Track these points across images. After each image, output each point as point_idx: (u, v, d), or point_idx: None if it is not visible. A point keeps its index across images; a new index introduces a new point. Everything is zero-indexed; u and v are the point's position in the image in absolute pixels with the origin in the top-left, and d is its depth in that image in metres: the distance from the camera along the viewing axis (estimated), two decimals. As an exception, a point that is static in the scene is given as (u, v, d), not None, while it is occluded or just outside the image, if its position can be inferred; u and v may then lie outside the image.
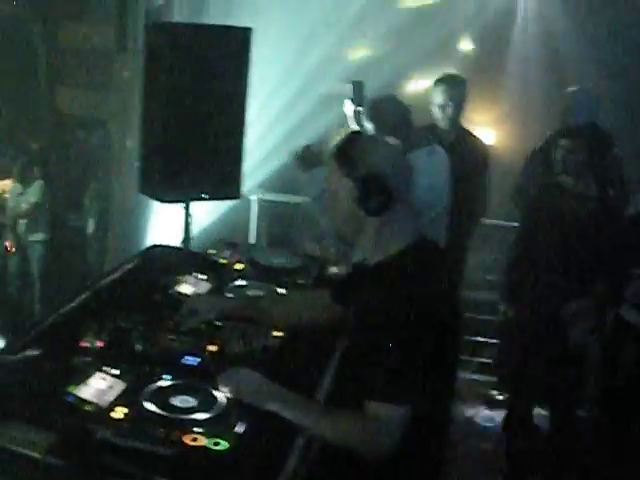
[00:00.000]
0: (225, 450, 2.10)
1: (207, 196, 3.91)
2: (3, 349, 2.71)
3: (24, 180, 8.32)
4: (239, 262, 3.48)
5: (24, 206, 8.24)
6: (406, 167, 2.44)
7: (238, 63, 3.88)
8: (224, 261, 3.48)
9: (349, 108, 4.39)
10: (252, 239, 6.18)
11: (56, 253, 8.47)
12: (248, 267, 3.46)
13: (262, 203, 6.41)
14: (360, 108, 4.33)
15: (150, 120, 3.84)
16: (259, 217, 6.29)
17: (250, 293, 3.14)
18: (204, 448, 2.10)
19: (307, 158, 3.74)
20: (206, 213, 5.90)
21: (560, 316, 4.44)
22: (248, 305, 2.92)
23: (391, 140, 2.66)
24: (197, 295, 3.05)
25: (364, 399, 2.27)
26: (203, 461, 2.07)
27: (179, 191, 3.83)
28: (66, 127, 10.14)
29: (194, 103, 3.74)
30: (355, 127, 4.40)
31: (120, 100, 8.46)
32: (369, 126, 4.01)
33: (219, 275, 3.28)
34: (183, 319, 2.79)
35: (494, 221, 6.18)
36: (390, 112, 3.90)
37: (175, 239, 4.22)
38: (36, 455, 2.01)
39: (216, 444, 2.11)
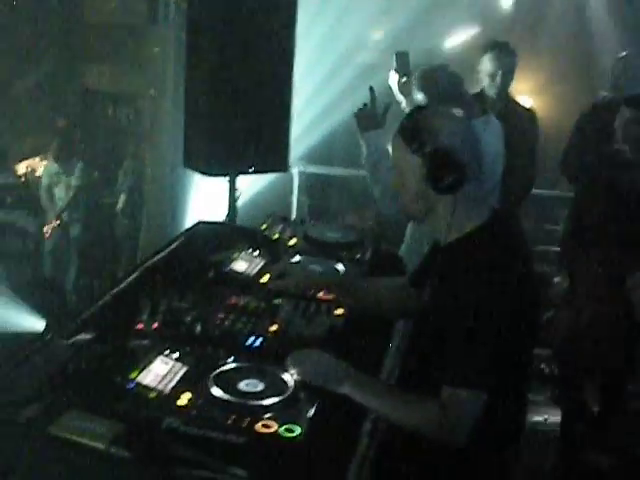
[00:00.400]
0: (298, 437, 1.98)
1: (254, 169, 3.75)
2: (45, 331, 2.58)
3: (60, 159, 8.20)
4: (292, 237, 3.34)
5: (68, 191, 8.15)
6: (475, 140, 2.28)
7: (284, 30, 3.73)
8: (276, 236, 3.34)
9: (394, 79, 4.21)
10: (294, 213, 6.05)
11: (91, 231, 8.38)
12: (301, 242, 3.33)
13: (303, 176, 6.25)
14: (405, 79, 4.16)
15: (194, 92, 3.69)
16: (299, 190, 6.15)
17: (307, 270, 3.00)
18: (277, 435, 1.97)
19: (369, 118, 3.56)
20: (244, 188, 5.75)
21: (623, 288, 4.27)
22: (337, 284, 2.79)
23: (456, 112, 2.48)
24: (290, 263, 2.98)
25: (440, 383, 2.14)
26: (276, 449, 1.94)
27: (225, 165, 3.68)
28: (95, 104, 10.05)
29: (239, 73, 3.59)
30: (401, 99, 4.24)
31: (150, 75, 8.33)
32: (419, 97, 3.83)
33: (273, 251, 3.14)
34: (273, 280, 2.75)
35: (537, 191, 5.98)
36: (444, 82, 3.71)
37: (214, 215, 4.09)
38: (100, 446, 1.89)
39: (289, 430, 1.98)
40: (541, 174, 5.49)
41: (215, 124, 3.59)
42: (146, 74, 8.56)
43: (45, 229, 8.16)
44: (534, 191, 5.72)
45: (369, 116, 3.53)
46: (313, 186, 6.28)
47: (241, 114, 3.62)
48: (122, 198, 8.45)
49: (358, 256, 3.24)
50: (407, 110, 4.16)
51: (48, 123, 9.57)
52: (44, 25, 9.43)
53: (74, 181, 8.15)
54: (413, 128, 2.22)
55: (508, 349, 2.13)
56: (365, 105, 3.53)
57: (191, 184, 6.92)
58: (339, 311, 2.70)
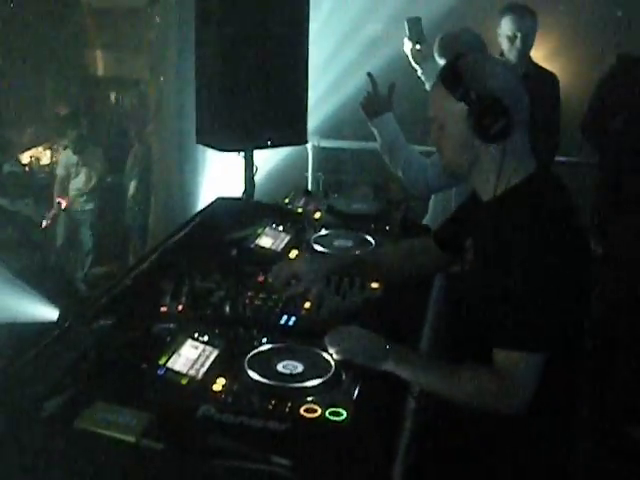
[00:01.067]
0: (345, 420, 1.82)
1: (272, 143, 3.58)
2: (59, 319, 2.41)
3: (79, 151, 8.06)
4: (316, 210, 3.17)
5: (88, 181, 8.04)
6: (520, 86, 2.11)
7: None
8: (300, 210, 3.18)
9: (407, 47, 4.03)
10: (309, 188, 5.87)
11: (104, 219, 8.24)
12: (326, 215, 3.16)
13: (316, 150, 6.07)
14: (419, 46, 3.97)
15: (204, 67, 3.51)
16: (313, 165, 5.97)
17: (337, 243, 2.84)
18: (322, 420, 1.82)
19: (375, 105, 3.41)
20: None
21: None
22: (353, 263, 2.59)
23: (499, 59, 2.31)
24: (298, 261, 2.63)
25: (491, 348, 1.98)
26: (322, 434, 1.79)
27: (241, 139, 3.51)
28: (98, 90, 9.89)
29: (251, 45, 3.40)
30: (416, 67, 4.06)
31: (153, 58, 8.14)
32: (441, 62, 3.65)
33: (298, 225, 2.98)
34: (280, 286, 2.44)
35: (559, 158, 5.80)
36: (467, 46, 3.51)
37: (228, 193, 3.90)
38: (131, 439, 1.73)
39: (335, 414, 1.82)
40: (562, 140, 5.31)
41: (228, 98, 3.41)
42: (148, 57, 8.37)
43: (46, 218, 8.03)
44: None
45: (374, 103, 3.36)
46: (327, 160, 6.08)
47: (255, 87, 3.44)
48: (133, 184, 8.30)
49: (387, 227, 3.07)
50: (424, 78, 4.00)
51: (48, 112, 9.40)
52: (43, 10, 9.24)
53: (97, 170, 8.02)
54: (456, 74, 2.06)
55: (565, 306, 1.97)
56: (368, 93, 3.36)
57: (201, 164, 6.73)
58: (374, 284, 2.53)
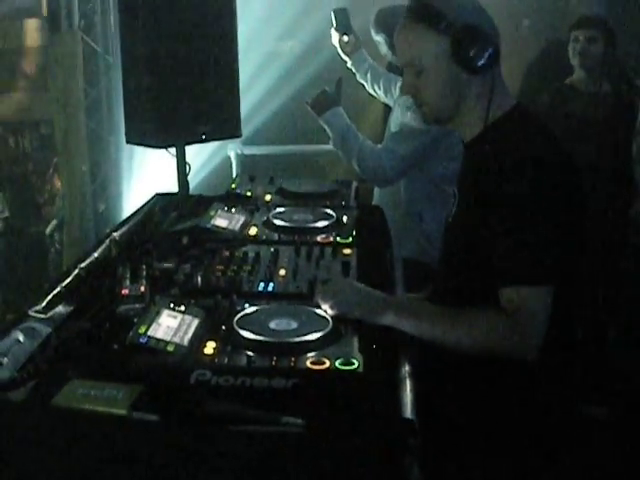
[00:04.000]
0: (358, 367, 1.64)
1: (205, 137, 3.39)
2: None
3: None
4: (267, 193, 3.01)
5: None
6: (488, 15, 2.02)
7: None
8: (249, 194, 3.00)
9: (335, 38, 3.93)
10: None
11: (15, 263, 7.86)
12: (276, 197, 3.01)
13: (242, 158, 5.89)
14: (346, 37, 3.88)
15: (131, 62, 3.32)
16: (241, 174, 5.78)
17: (297, 217, 2.68)
18: (334, 370, 1.63)
19: (322, 102, 3.32)
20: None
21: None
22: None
23: None
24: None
25: (500, 287, 1.86)
26: (335, 385, 1.60)
27: (171, 134, 3.31)
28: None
29: (178, 38, 3.22)
30: (345, 58, 3.97)
31: (55, 96, 7.81)
32: (379, 38, 3.55)
33: (250, 207, 2.81)
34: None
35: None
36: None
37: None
38: (121, 412, 1.51)
39: (346, 363, 1.64)
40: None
41: (157, 93, 3.22)
42: (50, 96, 8.05)
43: None
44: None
45: (322, 100, 3.33)
46: (252, 168, 5.88)
47: (184, 80, 3.26)
48: (53, 223, 7.96)
49: (343, 203, 2.92)
50: (354, 69, 3.92)
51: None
52: None
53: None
54: (433, 8, 1.95)
55: (564, 234, 1.88)
56: (324, 91, 3.35)
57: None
58: (347, 250, 2.37)
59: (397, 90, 3.70)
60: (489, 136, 1.97)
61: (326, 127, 3.32)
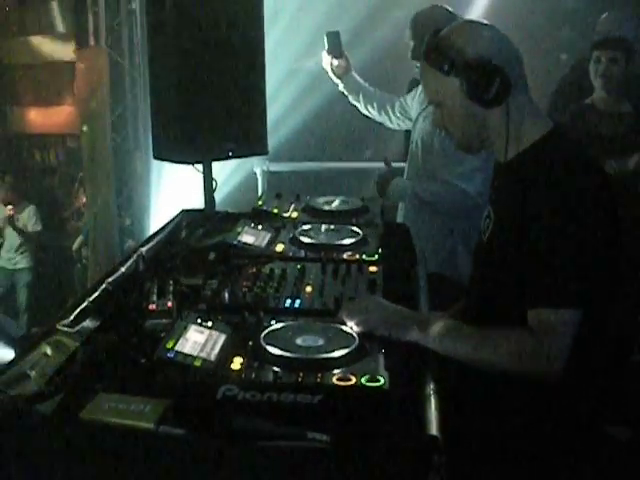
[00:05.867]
0: (384, 384, 1.64)
1: (232, 154, 3.41)
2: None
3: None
4: (293, 210, 3.02)
5: (19, 237, 7.73)
6: (507, 42, 2.03)
7: (252, 6, 3.40)
8: (276, 211, 3.02)
9: (326, 62, 3.95)
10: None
11: (42, 277, 7.92)
12: (302, 214, 3.02)
13: (268, 175, 5.92)
14: (336, 61, 3.90)
15: (159, 79, 3.35)
16: (267, 191, 5.82)
17: (324, 235, 2.70)
18: (360, 387, 1.63)
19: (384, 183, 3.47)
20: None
21: None
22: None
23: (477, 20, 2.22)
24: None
25: (529, 308, 1.87)
26: (360, 402, 1.61)
27: (198, 150, 3.34)
28: (23, 148, 9.61)
29: (207, 55, 3.25)
30: (337, 81, 3.98)
31: (82, 111, 7.91)
32: (410, 44, 3.56)
33: (276, 224, 2.82)
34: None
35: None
36: (443, 20, 3.36)
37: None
38: (148, 426, 1.52)
39: (372, 380, 1.64)
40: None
41: (185, 109, 3.26)
42: (75, 110, 8.15)
43: None
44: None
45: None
46: (278, 185, 5.91)
47: (212, 97, 3.29)
48: (79, 239, 8.03)
49: (369, 220, 2.94)
50: (346, 92, 3.94)
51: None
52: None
53: (31, 227, 7.74)
54: (437, 50, 1.99)
55: (595, 260, 1.88)
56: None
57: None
58: (373, 268, 2.38)
59: (414, 102, 3.70)
60: (524, 160, 1.97)
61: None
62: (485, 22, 2.14)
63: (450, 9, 3.53)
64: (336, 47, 3.89)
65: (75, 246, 7.99)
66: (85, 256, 7.82)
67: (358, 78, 3.96)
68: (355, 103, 4.00)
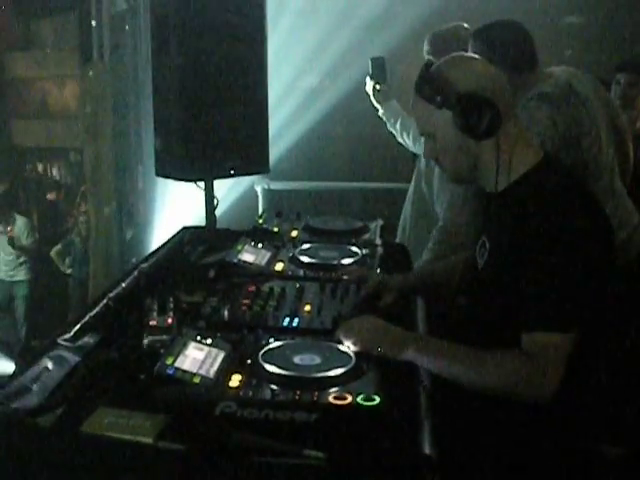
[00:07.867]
0: (379, 404, 1.67)
1: (234, 172, 3.44)
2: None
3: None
4: (293, 229, 3.06)
5: (16, 248, 7.75)
6: (497, 75, 2.05)
7: (254, 25, 3.44)
8: (276, 229, 3.05)
9: (369, 86, 3.98)
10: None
11: (39, 290, 7.94)
12: (303, 233, 3.05)
13: (268, 193, 5.96)
14: (378, 86, 3.93)
15: (162, 96, 3.38)
16: (268, 209, 5.85)
17: (323, 254, 2.72)
18: (355, 406, 1.66)
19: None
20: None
21: None
22: (424, 276, 2.57)
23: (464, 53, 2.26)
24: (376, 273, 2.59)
25: (523, 332, 1.89)
26: (357, 421, 1.64)
27: (200, 168, 3.37)
28: (26, 161, 9.65)
29: (209, 72, 3.29)
30: (377, 106, 4.01)
31: (85, 125, 7.95)
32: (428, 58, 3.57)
33: (276, 243, 2.85)
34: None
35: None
36: (464, 38, 3.36)
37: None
38: (147, 440, 1.55)
39: (367, 399, 1.67)
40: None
41: (187, 127, 3.28)
42: (78, 124, 8.18)
43: None
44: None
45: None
46: (278, 204, 5.96)
47: (214, 115, 3.32)
48: (57, 247, 8.05)
49: (368, 240, 2.97)
50: (385, 118, 3.97)
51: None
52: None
53: (24, 239, 7.76)
54: (429, 83, 2.01)
55: (590, 285, 1.89)
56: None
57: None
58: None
59: None
60: (516, 191, 2.00)
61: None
62: (476, 56, 2.19)
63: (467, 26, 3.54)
64: (380, 73, 3.91)
65: (52, 252, 8.00)
66: (68, 264, 7.86)
67: (398, 106, 3.98)
68: (392, 130, 4.01)
